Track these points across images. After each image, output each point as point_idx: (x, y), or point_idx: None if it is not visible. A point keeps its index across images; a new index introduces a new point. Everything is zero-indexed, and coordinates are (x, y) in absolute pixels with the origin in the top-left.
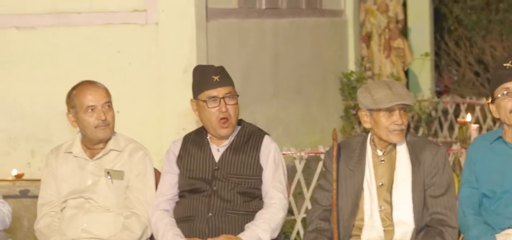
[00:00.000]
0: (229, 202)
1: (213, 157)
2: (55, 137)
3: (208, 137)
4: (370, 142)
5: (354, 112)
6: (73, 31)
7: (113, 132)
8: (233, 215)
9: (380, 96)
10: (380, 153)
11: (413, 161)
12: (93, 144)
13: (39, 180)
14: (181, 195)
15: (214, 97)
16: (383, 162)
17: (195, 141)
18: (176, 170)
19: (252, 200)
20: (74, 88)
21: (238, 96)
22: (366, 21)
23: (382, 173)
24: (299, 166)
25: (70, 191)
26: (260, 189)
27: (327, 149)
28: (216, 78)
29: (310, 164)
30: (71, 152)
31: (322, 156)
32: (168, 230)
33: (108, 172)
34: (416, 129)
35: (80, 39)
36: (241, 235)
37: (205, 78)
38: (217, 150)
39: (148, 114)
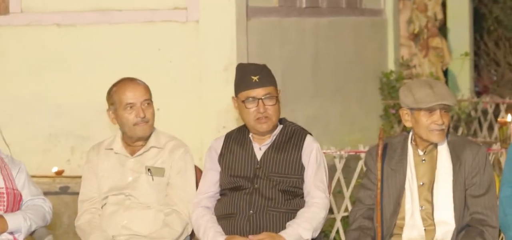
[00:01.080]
0: (271, 200)
1: (255, 156)
2: (95, 134)
3: (250, 136)
4: (411, 142)
5: (393, 111)
6: (114, 29)
7: (152, 130)
8: (274, 212)
9: (421, 96)
10: (421, 152)
11: (454, 160)
12: (133, 141)
13: (79, 177)
14: (222, 193)
15: (252, 97)
16: (424, 161)
17: (237, 139)
18: (217, 168)
19: (293, 198)
20: (114, 85)
21: (278, 95)
22: (414, 18)
23: (423, 173)
24: (339, 165)
25: (110, 187)
26: (301, 188)
27: (367, 148)
28: (255, 78)
29: (349, 163)
30: (112, 149)
31: (362, 155)
32: (209, 227)
33: (149, 169)
34: (456, 129)
35: (121, 36)
36: (282, 233)
37: (245, 77)
38: (259, 148)
39: (188, 112)
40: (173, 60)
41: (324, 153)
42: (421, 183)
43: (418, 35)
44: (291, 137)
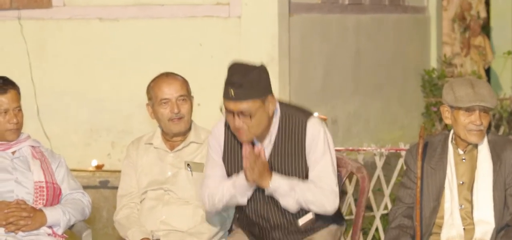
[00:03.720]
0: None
1: None
2: (135, 129)
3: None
4: (451, 141)
5: (435, 109)
6: (156, 23)
7: (188, 125)
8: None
9: (461, 94)
10: (461, 151)
11: (495, 160)
12: (171, 136)
13: (119, 171)
14: None
15: (230, 110)
16: (464, 160)
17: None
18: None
19: None
20: (152, 80)
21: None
22: (466, 14)
23: (463, 172)
24: (379, 163)
25: (149, 182)
26: None
27: (407, 146)
28: (232, 91)
29: (390, 161)
30: (151, 144)
31: (402, 153)
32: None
33: (188, 164)
34: (497, 127)
35: (162, 31)
36: (274, 175)
37: (226, 86)
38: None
39: None
40: (214, 56)
41: (364, 150)
42: (461, 182)
43: (461, 33)
44: (292, 130)
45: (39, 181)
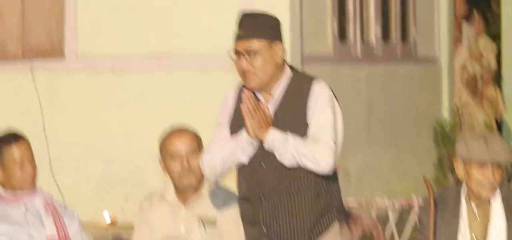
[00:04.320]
0: (282, 181)
1: None
2: (149, 182)
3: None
4: (464, 195)
5: (447, 160)
6: (168, 75)
7: (199, 178)
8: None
9: (475, 149)
10: (474, 206)
11: (508, 216)
12: (183, 190)
13: (132, 227)
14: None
15: (237, 51)
16: (477, 215)
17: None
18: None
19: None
20: (163, 135)
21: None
22: (468, 65)
23: (476, 227)
24: (392, 218)
25: (162, 238)
26: None
27: (419, 198)
28: (239, 31)
29: (402, 214)
30: (165, 198)
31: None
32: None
33: (202, 221)
34: (510, 179)
35: (175, 83)
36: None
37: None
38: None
39: None
40: None
41: (376, 202)
42: (474, 237)
43: (472, 83)
44: (299, 91)
45: (52, 235)
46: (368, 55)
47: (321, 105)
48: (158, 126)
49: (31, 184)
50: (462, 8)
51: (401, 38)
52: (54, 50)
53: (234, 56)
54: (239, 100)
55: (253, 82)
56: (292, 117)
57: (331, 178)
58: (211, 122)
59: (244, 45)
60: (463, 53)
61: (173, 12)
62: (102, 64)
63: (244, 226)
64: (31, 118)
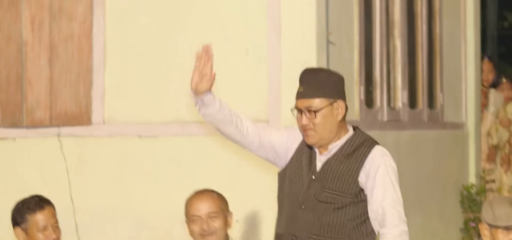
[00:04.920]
0: (317, 224)
1: (315, 165)
2: None
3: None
4: None
5: (473, 224)
6: (195, 140)
7: None
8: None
9: (501, 213)
10: None
11: None
12: None
13: None
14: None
15: (298, 108)
16: None
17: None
18: (285, 150)
19: (340, 223)
20: (189, 196)
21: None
22: (493, 132)
23: None
24: None
25: None
26: (347, 212)
27: None
28: (301, 88)
29: None
30: None
31: None
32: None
33: None
34: None
35: (202, 148)
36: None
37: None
38: (320, 157)
39: (268, 224)
40: (254, 173)
41: None
42: None
43: (499, 150)
44: (357, 148)
45: None
46: (395, 121)
47: (382, 179)
48: (185, 190)
49: None
50: (490, 75)
51: (428, 104)
52: (81, 116)
53: (295, 112)
54: (302, 146)
55: (313, 139)
56: (340, 170)
57: (368, 235)
58: (238, 185)
59: (304, 103)
60: (489, 119)
61: None
62: (128, 130)
63: None
64: (58, 183)
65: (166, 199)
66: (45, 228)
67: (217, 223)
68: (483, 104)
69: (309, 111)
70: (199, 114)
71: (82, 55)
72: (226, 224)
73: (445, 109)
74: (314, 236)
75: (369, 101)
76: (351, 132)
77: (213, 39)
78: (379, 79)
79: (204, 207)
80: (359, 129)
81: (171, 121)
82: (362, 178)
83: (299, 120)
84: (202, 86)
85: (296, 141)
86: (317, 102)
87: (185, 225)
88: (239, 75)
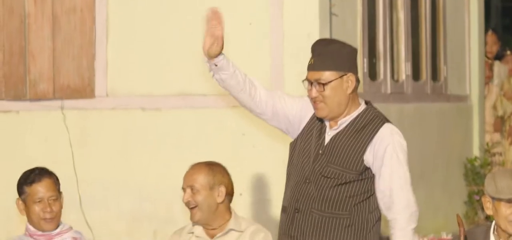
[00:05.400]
0: (319, 200)
1: (323, 139)
2: (178, 218)
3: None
4: (493, 232)
5: (477, 197)
6: (198, 113)
7: (204, 214)
8: (317, 216)
9: (503, 186)
10: None
11: None
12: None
13: None
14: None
15: (308, 80)
16: None
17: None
18: (299, 119)
19: (343, 199)
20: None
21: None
22: (498, 104)
23: None
24: None
25: None
26: (351, 188)
27: (450, 235)
28: (311, 60)
29: None
30: (193, 233)
31: None
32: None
33: None
34: None
35: (204, 121)
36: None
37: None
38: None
39: (273, 198)
40: (256, 146)
41: None
42: None
43: (504, 122)
44: (365, 126)
45: None
46: (398, 92)
47: (389, 159)
48: (187, 162)
49: (51, 223)
50: (494, 47)
51: (431, 77)
52: (84, 89)
53: (306, 83)
54: (314, 117)
55: (323, 111)
56: (347, 145)
57: (371, 212)
58: (240, 159)
59: (314, 75)
60: (494, 91)
61: (201, 52)
62: (131, 102)
63: (279, 238)
64: (62, 156)
65: (168, 171)
66: (41, 201)
67: (199, 197)
68: (488, 77)
69: (319, 83)
70: (214, 79)
71: (84, 27)
72: (217, 196)
73: (448, 81)
74: (316, 211)
75: (372, 73)
76: (362, 106)
77: None
78: (383, 51)
79: (188, 180)
80: (371, 104)
81: (174, 94)
82: (368, 156)
83: (309, 92)
84: (214, 49)
85: (310, 112)
86: (326, 75)
87: None
88: (242, 48)
